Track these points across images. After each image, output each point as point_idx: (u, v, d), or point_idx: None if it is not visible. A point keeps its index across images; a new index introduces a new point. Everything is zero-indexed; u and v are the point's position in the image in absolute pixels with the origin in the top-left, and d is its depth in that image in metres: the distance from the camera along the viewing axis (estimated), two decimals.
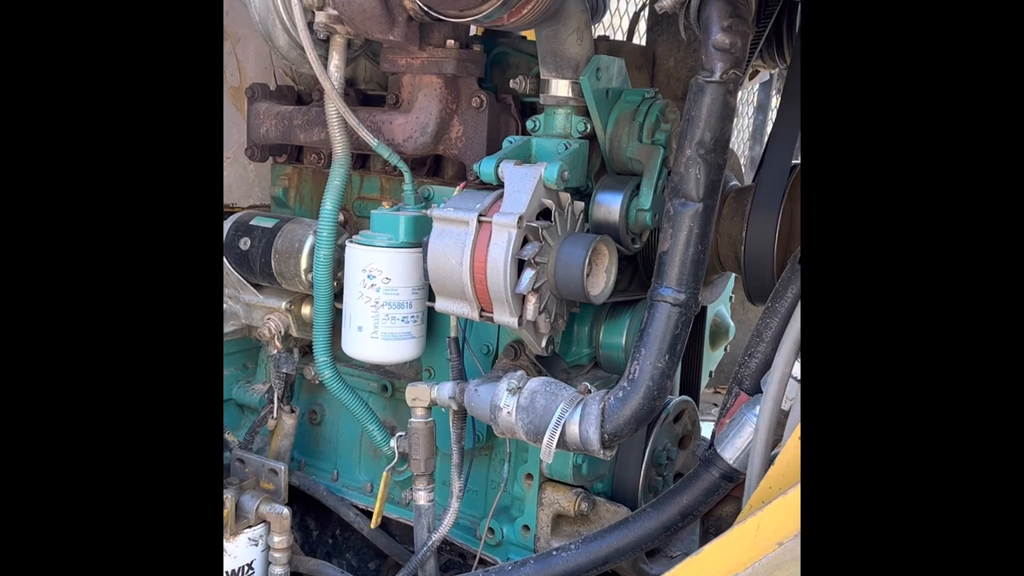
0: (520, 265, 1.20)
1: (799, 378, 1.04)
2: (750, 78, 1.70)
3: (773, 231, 1.31)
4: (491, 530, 1.48)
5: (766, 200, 1.32)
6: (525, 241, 1.21)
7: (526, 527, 1.45)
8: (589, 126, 1.33)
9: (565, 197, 1.26)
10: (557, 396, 1.20)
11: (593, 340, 1.43)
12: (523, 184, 1.22)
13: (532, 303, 1.21)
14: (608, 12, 1.72)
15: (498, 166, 1.25)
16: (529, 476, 1.45)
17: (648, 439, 1.47)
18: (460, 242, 1.22)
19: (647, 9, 1.71)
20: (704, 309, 1.66)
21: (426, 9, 1.13)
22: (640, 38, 1.75)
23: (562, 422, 1.18)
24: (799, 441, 0.99)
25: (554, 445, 1.17)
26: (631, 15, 1.81)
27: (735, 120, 2.04)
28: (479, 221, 1.21)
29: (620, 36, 2.38)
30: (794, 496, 0.92)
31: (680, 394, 1.64)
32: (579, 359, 1.44)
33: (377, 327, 1.37)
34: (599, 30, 2.07)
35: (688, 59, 1.63)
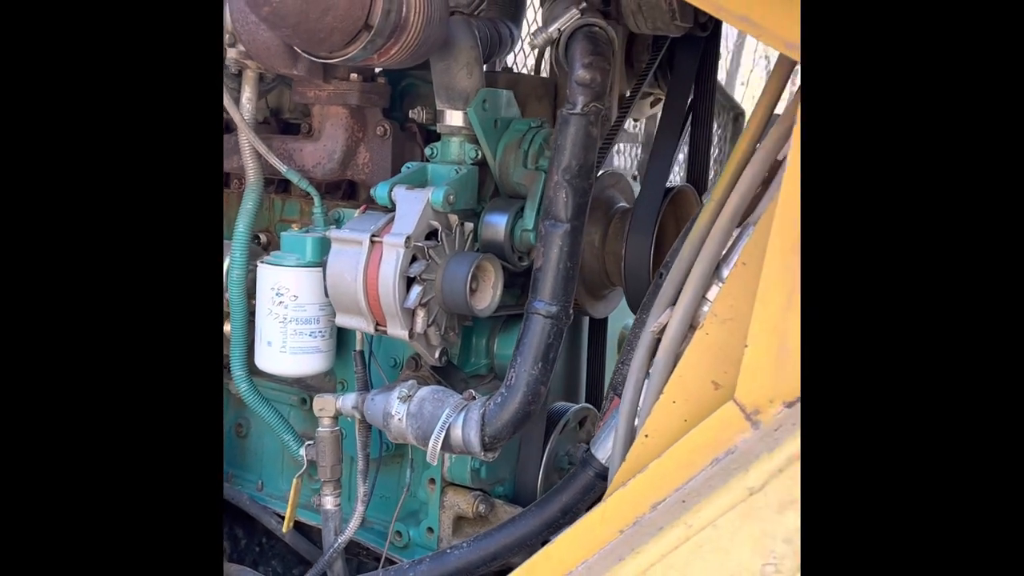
0: (409, 282, 1.30)
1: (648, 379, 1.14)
2: (651, 105, 1.81)
3: (648, 248, 1.42)
4: (399, 533, 1.57)
5: (643, 220, 1.43)
6: (414, 259, 1.30)
7: (430, 529, 1.54)
8: (480, 153, 1.43)
9: (453, 219, 1.36)
10: (443, 403, 1.30)
11: (489, 352, 1.53)
12: (412, 207, 1.32)
13: (421, 317, 1.31)
14: (517, 47, 1.84)
15: (391, 190, 1.35)
16: (432, 481, 1.54)
17: (546, 445, 1.56)
18: (355, 261, 1.32)
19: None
20: (606, 321, 1.76)
21: (302, 51, 1.24)
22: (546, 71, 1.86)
23: (446, 426, 1.27)
24: (644, 438, 1.09)
25: (438, 448, 1.27)
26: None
27: (632, 147, 2.15)
28: (371, 241, 1.31)
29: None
30: (633, 486, 1.02)
31: (586, 402, 1.74)
32: (478, 369, 1.54)
33: (285, 342, 1.46)
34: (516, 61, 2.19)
35: None
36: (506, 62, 1.95)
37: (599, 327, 1.78)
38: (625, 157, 2.25)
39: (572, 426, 1.63)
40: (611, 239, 1.53)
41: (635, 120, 1.96)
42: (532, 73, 1.87)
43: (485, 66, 1.82)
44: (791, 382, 0.91)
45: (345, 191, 1.68)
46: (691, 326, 1.11)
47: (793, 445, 0.80)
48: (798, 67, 0.92)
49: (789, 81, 1.18)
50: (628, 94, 1.62)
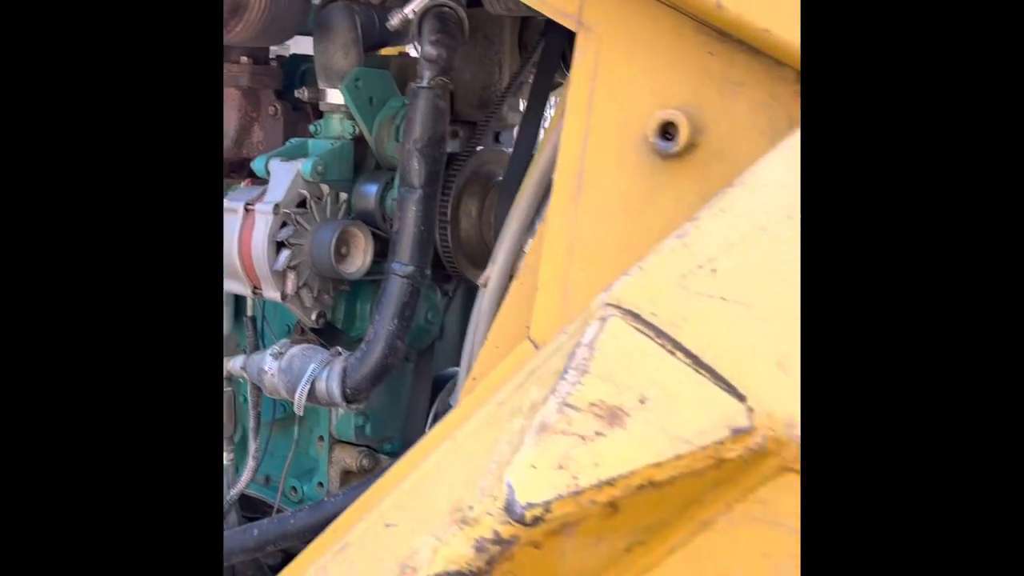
0: (279, 247, 1.40)
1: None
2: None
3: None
4: (294, 489, 1.67)
5: (509, 189, 1.52)
6: (284, 226, 1.41)
7: (320, 484, 1.64)
8: (357, 129, 1.53)
9: (324, 188, 1.46)
10: (311, 358, 1.40)
11: (372, 316, 1.62)
12: (283, 178, 1.42)
13: (291, 279, 1.41)
14: None
15: (267, 163, 1.46)
16: (321, 439, 1.64)
17: (432, 404, 1.66)
18: (232, 228, 1.42)
19: None
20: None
21: None
22: None
23: (311, 379, 1.37)
24: (471, 381, 1.19)
25: (303, 399, 1.37)
26: None
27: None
28: (245, 209, 1.41)
29: None
30: (445, 422, 1.11)
31: None
32: (362, 333, 1.63)
33: None
34: None
35: (482, 73, 1.84)
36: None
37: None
38: None
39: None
40: (487, 210, 1.62)
41: None
42: None
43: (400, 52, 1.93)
44: (570, 320, 1.01)
45: (247, 170, 1.78)
46: (511, 276, 1.20)
47: (533, 363, 0.90)
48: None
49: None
50: (514, 73, 1.72)
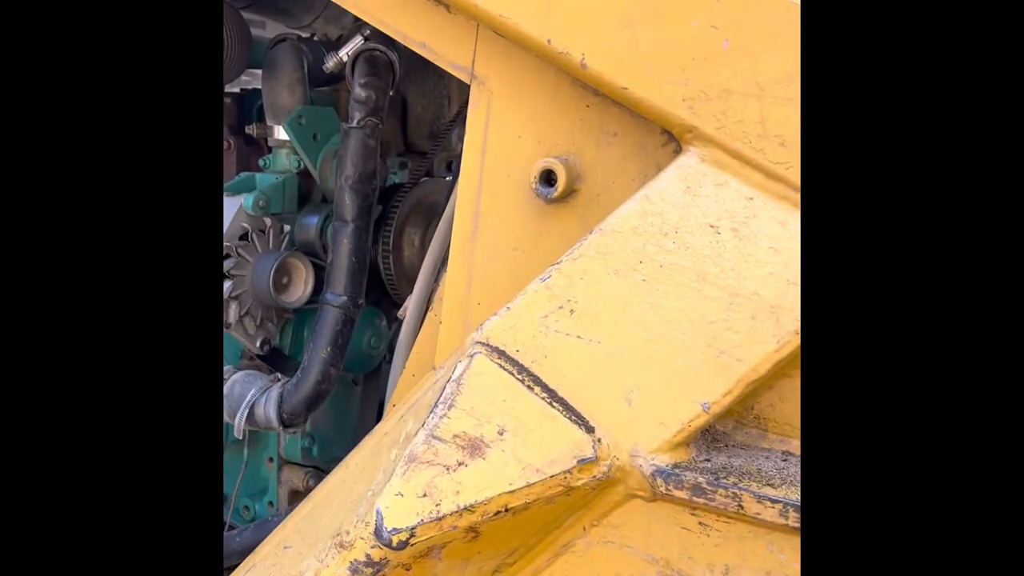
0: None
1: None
2: None
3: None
4: (247, 507, 1.74)
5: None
6: (228, 257, 1.48)
7: (270, 503, 1.71)
8: (302, 163, 1.61)
9: (267, 221, 1.53)
10: (251, 384, 1.47)
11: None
12: (226, 211, 1.50)
13: (233, 308, 1.48)
14: None
15: None
16: (271, 459, 1.71)
17: None
18: None
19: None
20: None
21: None
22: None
23: (250, 404, 1.44)
24: (391, 407, 1.25)
25: (243, 423, 1.44)
26: None
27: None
28: None
29: None
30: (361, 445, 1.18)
31: None
32: None
33: None
34: None
35: (432, 106, 1.92)
36: None
37: None
38: None
39: None
40: (429, 239, 1.69)
41: None
42: None
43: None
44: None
45: None
46: (427, 308, 1.27)
47: (414, 396, 0.96)
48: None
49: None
50: (460, 106, 1.79)
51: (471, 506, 0.82)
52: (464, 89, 1.89)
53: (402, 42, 1.10)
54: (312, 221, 1.58)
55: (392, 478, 0.84)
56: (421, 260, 1.71)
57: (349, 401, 1.74)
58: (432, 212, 1.74)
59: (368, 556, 0.84)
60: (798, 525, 0.78)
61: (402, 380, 1.24)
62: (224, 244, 1.47)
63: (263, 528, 1.52)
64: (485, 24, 1.03)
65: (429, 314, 1.23)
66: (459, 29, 1.06)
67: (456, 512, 0.82)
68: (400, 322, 1.41)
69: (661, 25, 0.87)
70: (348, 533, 0.86)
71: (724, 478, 0.80)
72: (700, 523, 0.81)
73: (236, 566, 1.45)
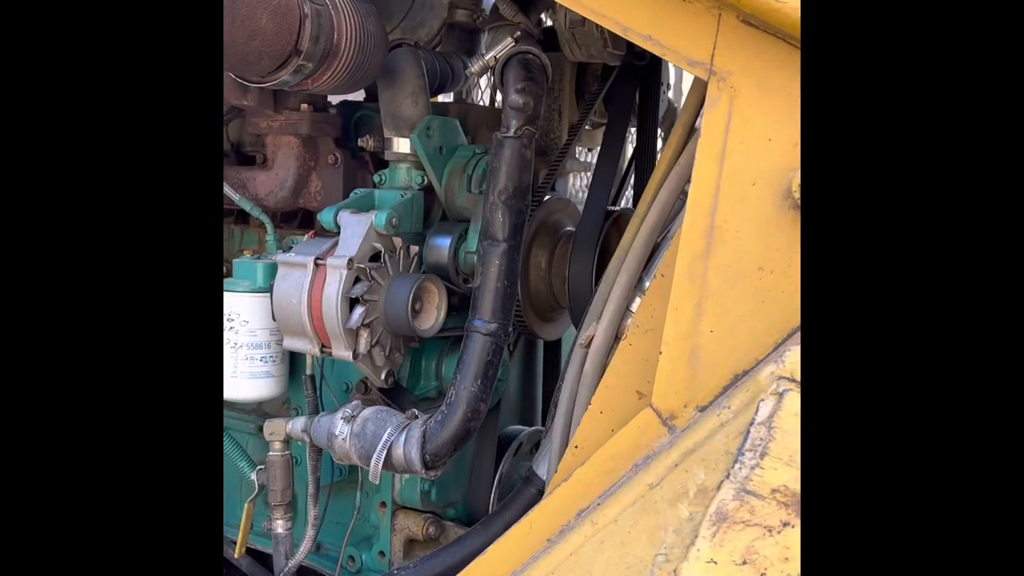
0: (352, 303, 1.32)
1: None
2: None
3: (591, 268, 1.44)
4: (351, 558, 1.57)
5: (585, 241, 1.46)
6: (357, 280, 1.33)
7: (381, 553, 1.54)
8: (426, 178, 1.47)
9: (397, 241, 1.39)
10: (386, 422, 1.31)
11: (438, 374, 1.54)
12: (355, 230, 1.35)
13: (364, 337, 1.33)
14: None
15: (336, 215, 1.38)
16: (383, 504, 1.54)
17: (498, 467, 1.57)
18: (299, 283, 1.34)
19: None
20: (559, 343, 1.78)
21: (235, 77, 1.28)
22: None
23: (388, 445, 1.28)
24: (574, 449, 1.11)
25: (380, 467, 1.28)
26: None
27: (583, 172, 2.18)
28: (315, 264, 1.34)
29: None
30: (557, 495, 1.03)
31: (541, 425, 1.76)
32: (427, 392, 1.55)
33: (236, 367, 1.47)
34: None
35: (542, 121, 1.79)
36: (461, 94, 2.00)
37: (554, 350, 1.80)
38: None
39: (526, 448, 1.64)
40: (557, 261, 1.55)
41: (589, 150, 2.00)
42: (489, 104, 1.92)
43: (442, 96, 1.87)
44: (703, 387, 0.93)
45: (301, 220, 1.71)
46: (616, 337, 1.13)
47: (690, 440, 0.82)
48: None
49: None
50: (577, 122, 1.66)
51: None
52: (573, 106, 1.78)
53: (622, 35, 0.97)
54: (444, 241, 1.44)
55: (697, 541, 0.70)
56: (548, 286, 1.58)
57: None
58: (557, 232, 1.60)
59: None
60: None
61: (588, 417, 1.09)
62: (355, 266, 1.32)
63: None
64: (731, 8, 0.90)
65: (620, 344, 1.09)
66: (695, 17, 0.93)
67: None
68: (531, 346, 1.27)
69: None
70: None
71: None
72: None
73: None
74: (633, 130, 1.74)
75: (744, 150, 0.92)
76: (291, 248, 1.56)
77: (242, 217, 1.76)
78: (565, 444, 1.19)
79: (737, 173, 0.93)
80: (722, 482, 0.71)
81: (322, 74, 1.20)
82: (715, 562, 0.69)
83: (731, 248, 0.93)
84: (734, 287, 0.93)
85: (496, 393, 1.57)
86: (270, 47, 1.08)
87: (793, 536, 0.69)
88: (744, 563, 0.69)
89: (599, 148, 1.58)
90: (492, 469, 1.57)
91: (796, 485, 0.70)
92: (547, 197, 1.59)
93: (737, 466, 0.71)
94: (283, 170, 1.56)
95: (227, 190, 1.52)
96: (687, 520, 0.72)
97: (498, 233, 1.28)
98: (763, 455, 0.71)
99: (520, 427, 1.66)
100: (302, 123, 1.53)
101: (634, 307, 1.12)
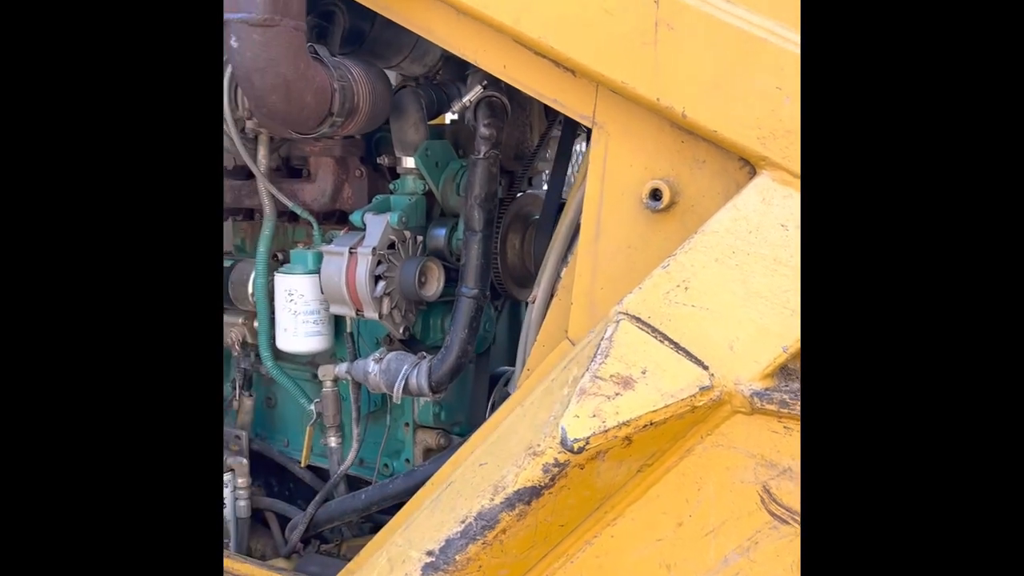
0: (376, 279, 1.87)
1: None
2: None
3: (547, 247, 1.97)
4: (385, 465, 2.14)
5: (544, 226, 1.99)
6: (380, 263, 1.88)
7: (407, 460, 2.11)
8: (427, 186, 2.00)
9: (407, 234, 1.93)
10: (404, 361, 1.87)
11: (442, 328, 2.09)
12: (377, 227, 1.90)
13: (386, 302, 1.88)
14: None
15: (363, 216, 1.93)
16: (407, 424, 2.11)
17: (490, 396, 2.12)
18: (339, 266, 1.90)
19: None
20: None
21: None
22: None
23: (405, 377, 1.84)
24: (527, 372, 1.65)
25: (400, 392, 1.83)
26: None
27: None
28: (350, 252, 1.89)
29: None
30: (512, 398, 1.57)
31: None
32: (435, 342, 2.10)
33: (297, 328, 2.04)
34: None
35: (516, 133, 2.31)
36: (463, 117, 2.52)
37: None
38: None
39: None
40: (527, 243, 2.09)
41: None
42: None
43: (448, 117, 2.40)
44: (595, 323, 1.46)
45: (338, 218, 2.26)
46: (552, 295, 1.66)
47: (573, 352, 1.35)
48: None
49: None
50: (544, 131, 2.18)
51: (626, 423, 1.21)
52: (542, 120, 2.30)
53: (537, 98, 1.50)
54: (441, 232, 1.98)
55: (570, 406, 1.24)
56: (522, 261, 2.12)
57: (466, 375, 2.13)
58: (527, 220, 2.13)
59: (556, 459, 1.24)
60: None
61: (535, 349, 1.64)
62: (378, 253, 1.86)
63: (412, 476, 1.92)
64: (605, 85, 1.42)
65: (554, 300, 1.62)
66: (583, 89, 1.45)
67: (616, 427, 1.21)
68: (516, 306, 1.80)
69: (741, 87, 1.26)
70: (539, 445, 1.26)
71: (798, 396, 1.19)
72: (784, 427, 1.20)
73: (393, 507, 1.85)
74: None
75: (615, 172, 1.44)
76: (332, 241, 2.12)
77: (293, 217, 2.31)
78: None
79: (612, 187, 1.45)
80: (584, 373, 1.25)
81: (347, 124, 1.74)
82: (578, 416, 1.22)
83: (611, 235, 1.46)
84: (613, 260, 1.46)
85: (484, 341, 2.12)
86: (313, 115, 1.62)
87: (621, 400, 1.22)
88: (594, 416, 1.22)
89: (555, 153, 2.10)
90: (486, 398, 2.12)
91: (624, 372, 1.23)
92: (519, 194, 2.12)
93: (592, 363, 1.25)
94: (323, 182, 2.11)
95: (283, 199, 2.08)
96: (566, 396, 1.25)
97: (475, 225, 1.82)
98: (606, 356, 1.24)
99: (507, 367, 2.21)
100: (335, 147, 2.08)
101: (563, 274, 1.65)
